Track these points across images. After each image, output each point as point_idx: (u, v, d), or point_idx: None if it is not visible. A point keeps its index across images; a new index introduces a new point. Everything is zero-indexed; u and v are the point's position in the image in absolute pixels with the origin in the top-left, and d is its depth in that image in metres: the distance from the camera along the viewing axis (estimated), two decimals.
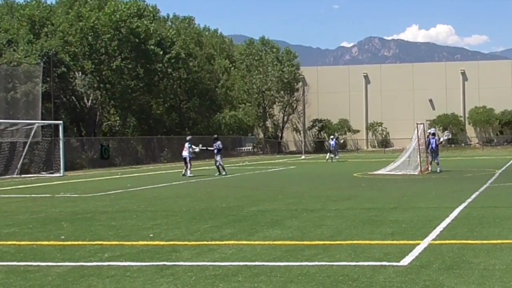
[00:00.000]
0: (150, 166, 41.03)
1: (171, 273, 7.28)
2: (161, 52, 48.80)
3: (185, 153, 27.61)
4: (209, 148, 28.90)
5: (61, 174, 31.31)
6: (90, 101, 48.22)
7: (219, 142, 27.99)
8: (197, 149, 28.16)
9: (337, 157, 43.41)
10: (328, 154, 43.93)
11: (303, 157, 52.92)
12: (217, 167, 27.87)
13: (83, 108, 48.82)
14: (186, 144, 27.81)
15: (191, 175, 26.85)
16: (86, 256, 8.50)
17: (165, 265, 7.76)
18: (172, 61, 50.71)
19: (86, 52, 46.75)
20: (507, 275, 6.86)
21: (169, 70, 51.23)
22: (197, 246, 9.13)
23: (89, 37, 46.20)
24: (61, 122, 34.50)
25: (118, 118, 54.34)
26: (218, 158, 27.75)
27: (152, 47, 48.07)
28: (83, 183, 25.00)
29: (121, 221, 12.20)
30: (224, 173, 27.46)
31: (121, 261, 8.07)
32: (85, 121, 49.63)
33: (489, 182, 20.36)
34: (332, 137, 45.64)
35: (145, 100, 52.34)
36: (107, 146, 42.77)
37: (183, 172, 27.69)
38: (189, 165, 27.35)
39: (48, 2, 51.68)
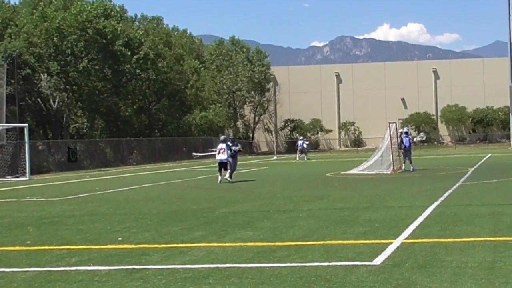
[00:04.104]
0: (119, 169, 40.61)
1: (140, 277, 7.13)
2: (129, 53, 48.40)
3: (223, 156, 23.21)
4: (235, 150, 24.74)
5: (27, 178, 30.77)
6: (56, 103, 47.54)
7: (236, 143, 26.36)
8: (236, 149, 24.39)
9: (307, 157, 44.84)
10: (298, 154, 45.85)
11: (275, 157, 52.92)
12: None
13: (49, 111, 48.12)
14: (222, 145, 23.44)
15: (231, 179, 23.12)
16: (53, 261, 8.30)
17: (134, 268, 7.61)
18: (141, 61, 50.31)
19: (51, 53, 46.10)
20: (479, 272, 6.86)
21: (138, 71, 50.79)
22: (167, 249, 8.98)
23: (55, 38, 45.56)
24: (26, 125, 33.85)
25: (85, 120, 53.67)
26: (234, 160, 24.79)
27: (120, 47, 47.63)
28: (50, 187, 24.61)
29: (89, 224, 11.97)
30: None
31: (89, 266, 7.90)
32: (51, 123, 48.94)
33: (462, 180, 20.46)
34: (301, 137, 47.77)
35: (113, 101, 51.75)
36: (74, 148, 42.23)
37: (225, 177, 23.00)
38: (229, 168, 23.34)
39: (12, 3, 50.95)
